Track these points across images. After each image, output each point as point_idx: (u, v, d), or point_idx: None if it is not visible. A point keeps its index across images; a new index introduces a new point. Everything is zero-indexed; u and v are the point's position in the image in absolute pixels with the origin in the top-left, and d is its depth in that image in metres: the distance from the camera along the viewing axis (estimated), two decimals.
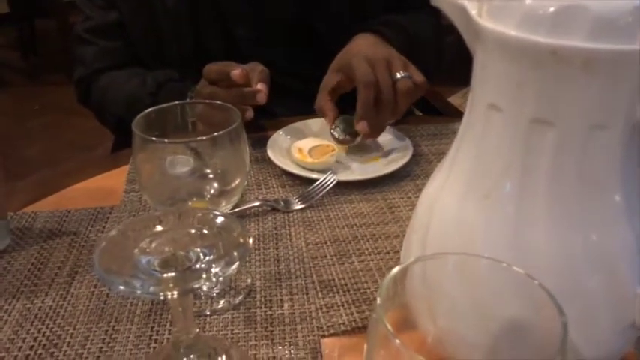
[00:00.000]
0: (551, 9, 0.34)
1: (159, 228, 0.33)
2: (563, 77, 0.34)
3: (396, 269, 0.31)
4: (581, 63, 0.33)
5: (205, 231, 0.33)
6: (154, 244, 0.32)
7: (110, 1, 0.94)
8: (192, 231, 0.34)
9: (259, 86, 0.74)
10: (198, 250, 0.33)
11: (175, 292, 0.30)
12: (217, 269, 0.31)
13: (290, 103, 0.85)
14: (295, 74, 0.94)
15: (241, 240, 0.32)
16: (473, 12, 0.38)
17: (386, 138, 0.81)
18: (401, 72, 0.74)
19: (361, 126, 0.74)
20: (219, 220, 0.34)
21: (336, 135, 0.78)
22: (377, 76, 0.73)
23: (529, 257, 0.37)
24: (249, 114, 0.74)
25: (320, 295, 0.54)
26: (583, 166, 0.36)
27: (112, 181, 0.75)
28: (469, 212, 0.40)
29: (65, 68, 3.20)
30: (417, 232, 0.45)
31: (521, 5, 0.35)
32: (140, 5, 0.91)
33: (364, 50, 0.78)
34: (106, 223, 0.66)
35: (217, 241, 0.33)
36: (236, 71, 0.73)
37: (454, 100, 1.10)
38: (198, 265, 0.32)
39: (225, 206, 0.52)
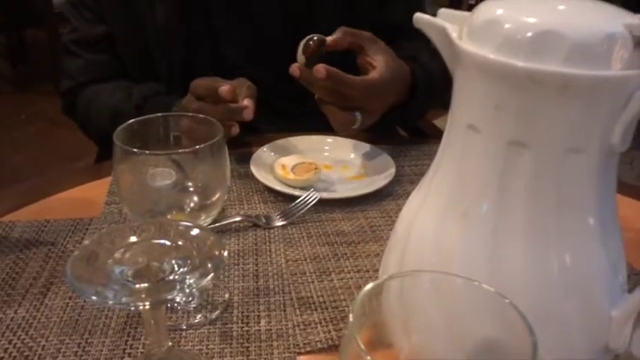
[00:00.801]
0: (529, 34, 0.34)
1: (134, 239, 0.33)
2: (540, 101, 0.34)
3: (370, 285, 0.31)
4: (557, 87, 0.34)
5: (180, 243, 0.33)
6: (127, 255, 0.32)
7: (98, 15, 0.94)
8: (167, 242, 0.33)
9: (246, 102, 0.74)
10: (173, 261, 0.32)
11: (147, 303, 0.30)
12: (191, 281, 0.31)
13: (276, 120, 0.85)
14: (282, 92, 0.94)
15: (216, 252, 0.32)
16: (453, 34, 0.39)
17: (369, 157, 0.81)
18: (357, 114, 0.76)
19: (321, 67, 0.71)
20: (195, 231, 0.34)
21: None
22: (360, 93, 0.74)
23: (505, 277, 0.37)
24: (235, 130, 0.74)
25: (298, 312, 0.54)
26: (559, 188, 0.36)
27: (94, 192, 0.75)
28: (447, 230, 0.40)
29: (53, 78, 3.20)
30: (395, 249, 0.46)
31: (500, 29, 0.36)
32: (130, 20, 0.92)
33: (390, 77, 0.78)
34: (84, 234, 0.66)
35: (192, 252, 0.33)
36: (224, 87, 0.73)
37: (439, 122, 1.11)
38: (172, 277, 0.31)
39: (205, 220, 0.52)
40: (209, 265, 0.32)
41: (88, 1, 0.94)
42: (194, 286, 0.30)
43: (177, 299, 0.28)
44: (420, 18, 0.42)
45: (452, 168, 0.41)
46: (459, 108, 0.40)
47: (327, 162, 0.81)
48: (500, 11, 0.37)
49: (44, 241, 0.64)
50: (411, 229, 0.44)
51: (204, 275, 0.31)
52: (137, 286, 0.30)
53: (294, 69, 0.73)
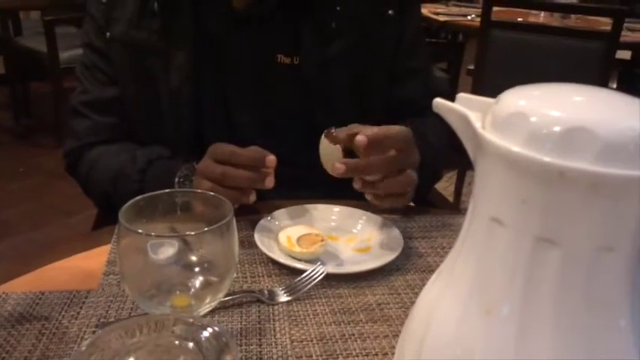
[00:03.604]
0: (557, 129, 0.33)
1: (138, 338, 0.31)
2: (570, 198, 0.33)
3: None
4: (588, 185, 0.32)
5: (190, 345, 0.31)
6: (131, 358, 0.29)
7: (111, 78, 0.95)
8: (176, 342, 0.31)
9: (269, 170, 0.74)
10: None
11: None
12: None
13: (282, 190, 0.84)
14: (292, 162, 0.94)
15: (228, 358, 0.30)
16: (477, 124, 0.38)
17: (376, 228, 0.80)
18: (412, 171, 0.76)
19: (361, 139, 0.71)
20: (207, 331, 0.32)
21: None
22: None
23: None
24: (253, 197, 0.75)
25: None
26: (589, 287, 0.34)
27: (92, 261, 0.72)
28: (469, 327, 0.38)
29: (55, 132, 3.21)
30: (411, 342, 0.43)
31: (526, 122, 0.34)
32: (143, 84, 0.92)
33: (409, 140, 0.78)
34: (80, 308, 0.63)
35: (201, 358, 0.30)
36: (272, 157, 0.74)
37: (439, 185, 1.10)
38: None
39: (210, 303, 0.49)
40: None
41: (102, 63, 0.95)
42: None
43: None
44: (441, 104, 0.41)
45: (474, 260, 0.39)
46: (481, 199, 0.38)
47: (333, 233, 0.79)
48: (523, 102, 0.36)
49: (38, 316, 0.61)
50: (430, 322, 0.41)
51: None
52: None
53: (339, 167, 0.72)
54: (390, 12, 0.96)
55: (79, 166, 0.98)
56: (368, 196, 0.78)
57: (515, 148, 0.34)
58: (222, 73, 0.93)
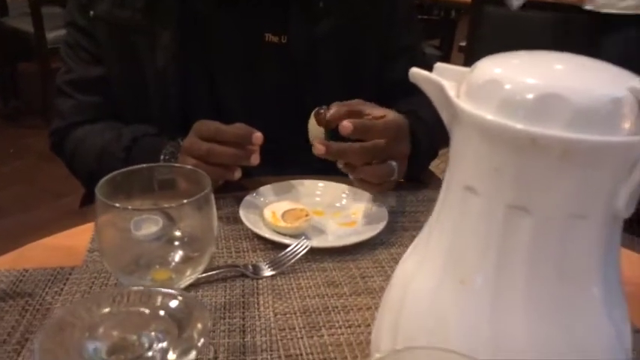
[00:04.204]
0: (530, 96, 0.33)
1: (110, 308, 0.31)
2: (542, 165, 0.33)
3: None
4: (560, 152, 0.32)
5: (161, 313, 0.31)
6: (102, 328, 0.30)
7: (95, 57, 0.93)
8: (147, 311, 0.31)
9: (255, 148, 0.74)
10: (152, 334, 0.30)
11: None
12: (172, 358, 0.29)
13: (270, 168, 0.84)
14: (278, 141, 0.93)
15: (200, 325, 0.30)
16: (451, 92, 0.38)
17: (361, 203, 0.80)
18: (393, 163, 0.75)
19: (346, 123, 0.71)
20: (178, 300, 0.32)
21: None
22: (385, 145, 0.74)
23: (505, 349, 0.35)
24: (238, 174, 0.75)
25: None
26: (561, 255, 0.35)
27: (76, 239, 0.72)
28: (444, 297, 0.38)
29: (43, 113, 3.18)
30: (389, 312, 0.43)
31: (500, 90, 0.34)
32: (129, 63, 0.91)
33: (400, 129, 0.78)
34: (64, 284, 0.63)
35: (173, 325, 0.30)
36: (259, 134, 0.73)
37: (433, 167, 1.10)
38: (150, 353, 0.29)
39: (190, 276, 0.49)
40: (193, 340, 0.29)
41: (85, 42, 0.93)
42: None
43: None
44: (417, 74, 0.41)
45: (449, 230, 0.39)
46: (456, 168, 0.38)
47: (318, 208, 0.79)
48: (499, 70, 0.36)
49: (21, 293, 0.61)
50: (407, 292, 0.42)
51: (186, 351, 0.29)
52: None
53: (319, 147, 0.72)
54: None
55: (64, 145, 0.97)
56: (350, 177, 0.78)
57: (488, 116, 0.34)
58: (208, 53, 0.92)
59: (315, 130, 0.77)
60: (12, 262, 0.66)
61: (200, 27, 0.90)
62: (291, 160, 0.87)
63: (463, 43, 2.63)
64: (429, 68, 0.42)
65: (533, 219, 0.34)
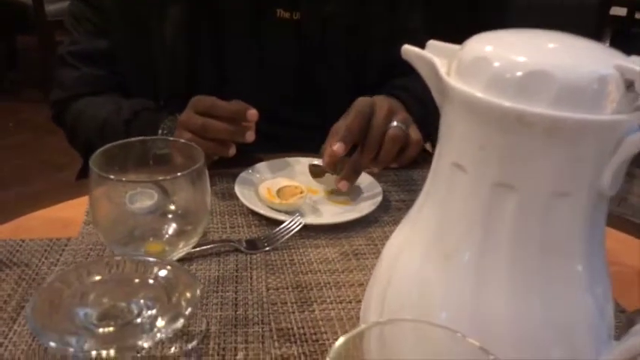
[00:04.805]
0: (518, 73, 0.33)
1: (101, 276, 0.31)
2: (527, 142, 0.33)
3: (349, 335, 0.30)
4: (545, 129, 0.33)
5: (151, 281, 0.32)
6: (93, 295, 0.30)
7: (101, 29, 0.93)
8: (137, 280, 0.32)
9: (250, 124, 0.74)
10: (142, 302, 0.31)
11: (113, 351, 0.28)
12: (161, 325, 0.30)
13: (269, 146, 0.84)
14: (284, 121, 0.93)
15: (188, 294, 0.31)
16: (442, 69, 0.38)
17: (356, 181, 0.80)
18: (398, 122, 0.74)
19: (337, 146, 0.72)
20: (167, 269, 0.32)
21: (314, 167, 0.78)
22: (373, 115, 0.73)
23: (488, 323, 0.36)
24: (233, 150, 0.75)
25: (277, 344, 0.52)
26: (545, 232, 0.35)
27: (73, 211, 0.73)
28: (429, 271, 0.39)
29: (42, 86, 3.17)
30: (378, 285, 0.44)
31: (489, 67, 0.35)
32: (136, 34, 0.90)
33: (376, 97, 0.78)
34: (60, 255, 0.64)
35: (163, 292, 0.31)
36: (253, 111, 0.73)
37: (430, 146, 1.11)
38: (139, 320, 0.30)
39: (183, 248, 0.50)
40: (181, 308, 0.30)
41: (91, 13, 0.93)
42: (164, 331, 0.29)
43: (145, 345, 0.27)
44: (409, 50, 0.41)
45: (436, 206, 0.39)
46: (445, 145, 0.39)
47: (313, 186, 0.80)
48: (489, 48, 0.36)
49: (18, 262, 0.62)
50: (395, 265, 0.42)
51: (174, 319, 0.29)
52: (101, 330, 0.29)
53: (344, 183, 0.75)
54: None
55: (65, 116, 0.97)
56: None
57: (476, 93, 0.34)
58: (219, 28, 0.91)
59: (320, 181, 0.79)
60: (9, 233, 0.67)
61: (211, 1, 0.90)
62: (296, 141, 0.88)
63: None
64: None
65: (518, 196, 0.35)
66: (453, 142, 0.38)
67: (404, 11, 0.99)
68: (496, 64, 0.35)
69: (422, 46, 0.43)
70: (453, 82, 0.36)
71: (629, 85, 0.33)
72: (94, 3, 0.92)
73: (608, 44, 2.73)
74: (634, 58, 0.34)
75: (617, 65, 0.33)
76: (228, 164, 0.81)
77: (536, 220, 0.35)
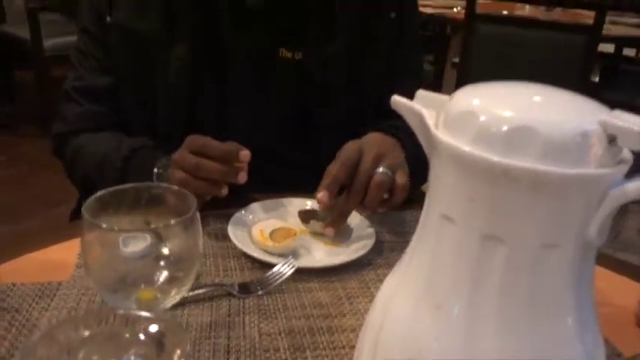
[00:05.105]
0: (504, 128, 0.34)
1: (89, 331, 0.31)
2: (514, 196, 0.34)
3: None
4: (530, 183, 0.33)
5: (141, 336, 0.32)
6: (82, 352, 0.30)
7: (106, 66, 0.94)
8: (126, 335, 0.32)
9: (242, 165, 0.75)
10: (132, 358, 0.31)
11: None
12: None
13: (264, 188, 0.85)
14: (281, 161, 0.94)
15: (179, 350, 0.31)
16: (430, 122, 0.39)
17: (348, 222, 0.80)
18: (384, 168, 0.75)
19: (321, 195, 0.73)
20: (157, 323, 0.32)
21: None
22: (360, 161, 0.74)
23: None
24: (225, 191, 0.76)
25: None
26: (534, 284, 0.36)
27: (66, 252, 0.72)
28: (421, 320, 0.39)
29: (40, 121, 3.18)
30: (370, 330, 0.44)
31: (476, 121, 0.35)
32: (141, 73, 0.92)
33: (366, 139, 0.79)
34: (51, 300, 0.63)
35: (152, 349, 0.31)
36: (246, 152, 0.74)
37: (426, 187, 1.11)
38: None
39: (175, 296, 0.50)
40: None
41: (97, 51, 0.95)
42: None
43: None
44: (398, 102, 0.42)
45: (427, 256, 0.40)
46: (434, 196, 0.39)
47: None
48: (476, 101, 0.37)
49: (8, 307, 0.61)
50: (387, 312, 0.42)
51: None
52: None
53: (330, 230, 0.76)
54: (392, 14, 0.97)
55: (65, 150, 0.98)
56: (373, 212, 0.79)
57: (463, 147, 0.35)
58: (222, 66, 0.93)
59: (310, 226, 0.79)
60: (1, 276, 0.67)
61: (216, 40, 0.91)
62: (293, 180, 0.88)
63: (456, 59, 2.66)
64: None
65: (506, 248, 0.35)
66: (442, 194, 0.38)
67: (404, 52, 1.01)
68: (482, 118, 0.35)
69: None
70: (441, 135, 0.37)
71: (612, 140, 0.33)
72: (101, 40, 0.94)
73: (597, 80, 2.78)
74: (617, 112, 0.35)
75: (600, 121, 0.34)
76: (223, 204, 0.81)
77: (525, 272, 0.35)
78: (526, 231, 0.35)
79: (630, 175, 0.35)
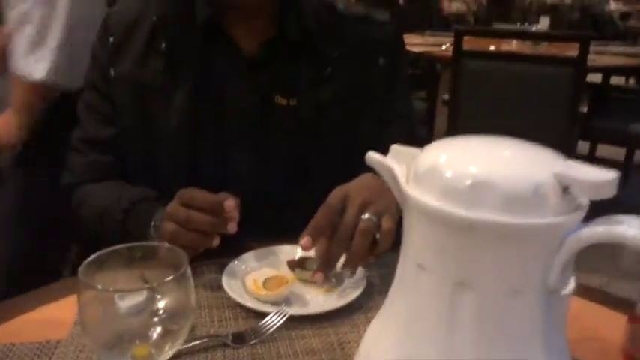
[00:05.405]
0: (467, 183, 0.37)
1: None
2: (480, 245, 0.36)
3: None
4: (493, 234, 0.36)
5: None
6: None
7: (108, 118, 0.98)
8: None
9: (233, 215, 0.76)
10: None
11: None
12: None
13: (262, 232, 0.87)
14: (277, 206, 0.96)
15: None
16: (401, 178, 0.41)
17: (340, 268, 0.82)
18: (370, 214, 0.76)
19: (303, 242, 0.74)
20: None
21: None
22: (345, 209, 0.76)
23: None
24: (216, 241, 0.78)
25: None
26: (504, 328, 0.38)
27: (65, 310, 0.74)
28: None
29: None
30: None
31: (442, 177, 0.38)
32: (143, 121, 0.95)
33: (354, 185, 0.81)
34: (49, 359, 0.64)
35: None
36: (230, 203, 0.76)
37: None
38: None
39: (169, 351, 0.52)
40: None
41: (102, 105, 0.99)
42: None
43: None
44: (371, 158, 0.45)
45: (404, 302, 0.42)
46: (408, 246, 0.41)
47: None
48: (442, 158, 0.40)
49: None
50: (371, 358, 0.44)
51: None
52: None
53: (320, 275, 0.76)
54: (381, 61, 1.01)
55: (72, 200, 1.01)
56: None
57: (431, 203, 0.37)
58: (221, 113, 0.96)
59: (295, 273, 0.80)
60: (0, 335, 0.68)
61: (214, 88, 0.95)
62: (292, 225, 0.90)
63: (446, 96, 2.71)
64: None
65: (476, 295, 0.37)
66: (415, 244, 0.40)
67: (396, 98, 1.04)
68: (448, 174, 0.38)
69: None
70: (410, 190, 0.39)
71: (566, 189, 0.36)
72: (106, 94, 0.98)
73: (586, 110, 2.83)
74: (570, 162, 0.37)
75: (555, 173, 0.36)
76: (217, 252, 0.83)
77: (495, 316, 0.37)
78: (492, 278, 0.37)
79: (591, 218, 0.37)
